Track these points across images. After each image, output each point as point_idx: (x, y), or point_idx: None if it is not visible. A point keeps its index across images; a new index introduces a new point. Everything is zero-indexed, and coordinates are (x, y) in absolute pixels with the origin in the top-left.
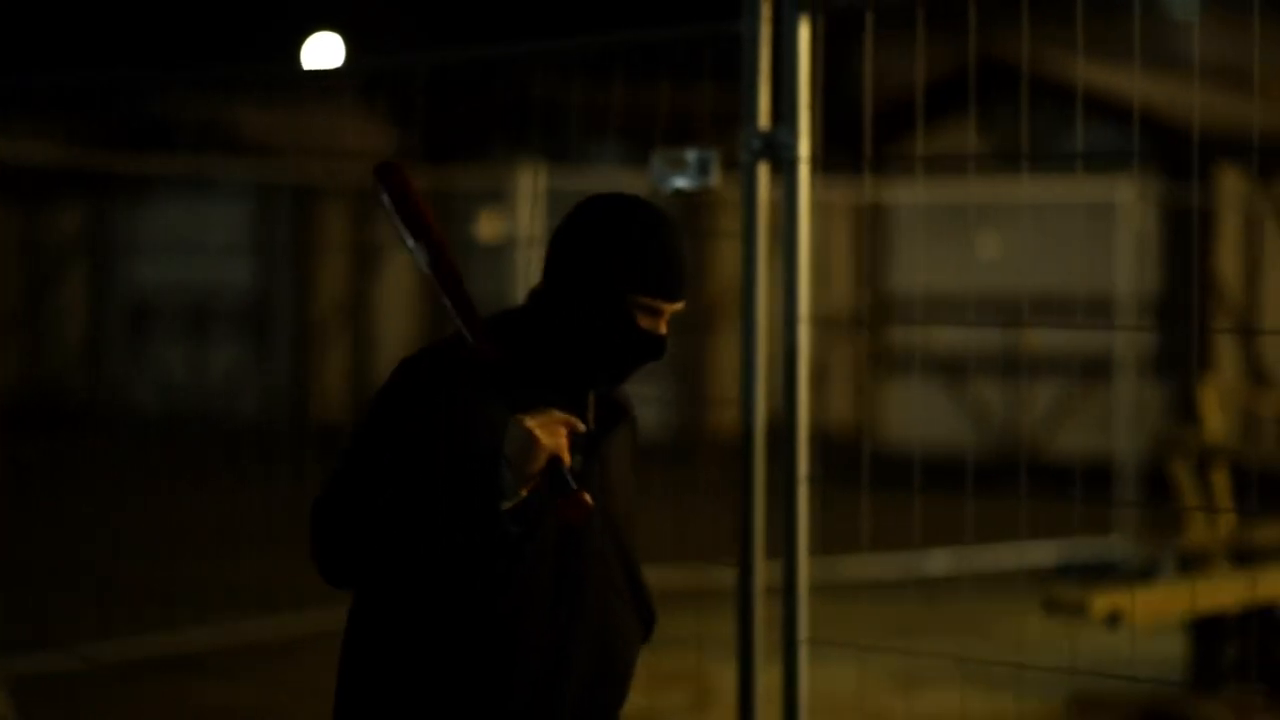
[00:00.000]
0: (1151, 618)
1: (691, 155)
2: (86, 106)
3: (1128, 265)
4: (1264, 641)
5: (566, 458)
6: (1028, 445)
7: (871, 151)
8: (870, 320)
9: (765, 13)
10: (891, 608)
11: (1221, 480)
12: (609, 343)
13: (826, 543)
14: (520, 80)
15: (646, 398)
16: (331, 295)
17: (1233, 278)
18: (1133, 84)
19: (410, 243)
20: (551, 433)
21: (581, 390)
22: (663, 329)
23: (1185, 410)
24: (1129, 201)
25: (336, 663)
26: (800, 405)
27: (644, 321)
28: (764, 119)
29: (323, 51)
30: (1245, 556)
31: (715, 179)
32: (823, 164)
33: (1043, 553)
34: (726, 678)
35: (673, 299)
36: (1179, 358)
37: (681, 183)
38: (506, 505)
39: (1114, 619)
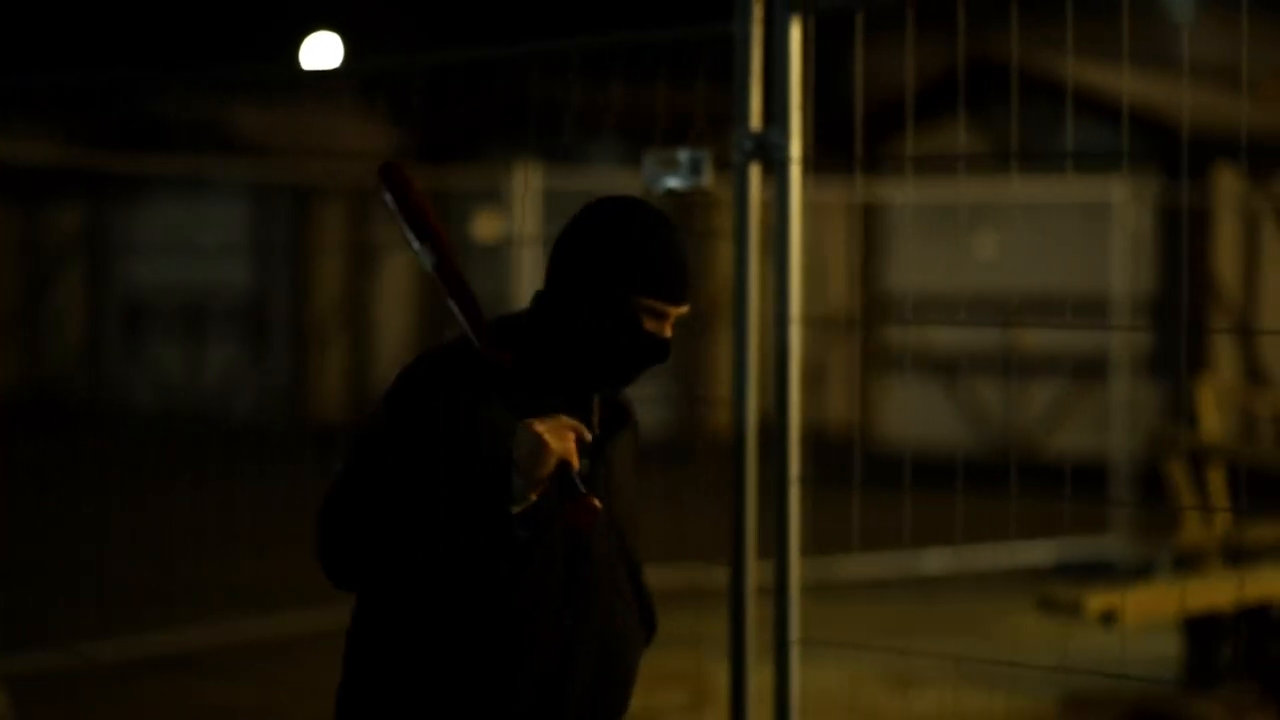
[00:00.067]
0: (1146, 617)
1: (684, 155)
2: (85, 106)
3: (1123, 265)
4: (1258, 641)
5: (575, 462)
6: (1023, 445)
7: (864, 152)
8: (865, 320)
9: (757, 13)
10: (888, 607)
11: (1217, 480)
12: (614, 346)
13: (821, 542)
14: (518, 80)
15: (643, 397)
16: (329, 295)
17: (1230, 277)
18: (1127, 83)
19: (415, 245)
20: (560, 437)
21: (586, 394)
22: (668, 332)
23: (1180, 410)
24: (1124, 201)
25: (336, 662)
26: (792, 406)
27: (649, 325)
28: (756, 120)
29: (321, 52)
30: (1240, 556)
31: (708, 179)
32: (815, 164)
33: (1038, 552)
34: (724, 677)
35: (678, 302)
36: (1174, 357)
37: (674, 183)
38: (515, 510)
39: (1109, 618)
